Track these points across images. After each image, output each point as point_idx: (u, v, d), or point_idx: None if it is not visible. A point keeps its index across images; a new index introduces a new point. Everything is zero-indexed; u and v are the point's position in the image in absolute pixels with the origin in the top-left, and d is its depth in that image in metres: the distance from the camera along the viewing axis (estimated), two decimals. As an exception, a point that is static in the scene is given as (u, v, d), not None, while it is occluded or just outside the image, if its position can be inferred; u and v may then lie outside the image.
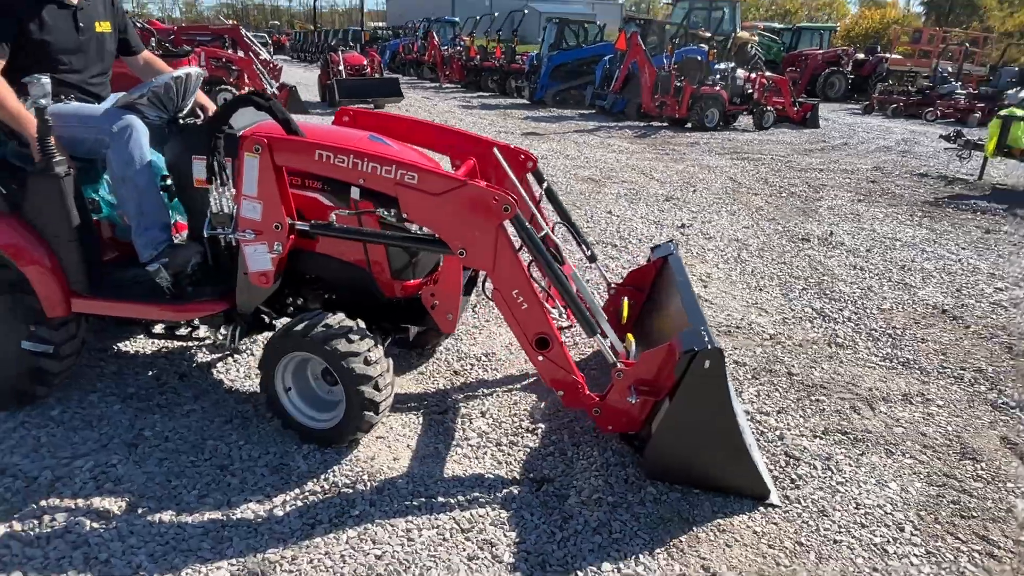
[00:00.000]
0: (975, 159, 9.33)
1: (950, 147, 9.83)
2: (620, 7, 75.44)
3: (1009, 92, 15.83)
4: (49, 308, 2.77)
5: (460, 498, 2.53)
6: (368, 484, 2.56)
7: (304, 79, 20.58)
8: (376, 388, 2.60)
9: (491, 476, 2.68)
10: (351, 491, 2.52)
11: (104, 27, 3.00)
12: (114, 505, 2.41)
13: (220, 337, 2.91)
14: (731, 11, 18.55)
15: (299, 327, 2.60)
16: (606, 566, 2.24)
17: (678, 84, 13.25)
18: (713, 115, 13.41)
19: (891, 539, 2.40)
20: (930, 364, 3.70)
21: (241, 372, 3.37)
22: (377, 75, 15.06)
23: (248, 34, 13.30)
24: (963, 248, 5.94)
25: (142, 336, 3.65)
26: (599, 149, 10.74)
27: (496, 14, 21.69)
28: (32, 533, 2.25)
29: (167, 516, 2.37)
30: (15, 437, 2.77)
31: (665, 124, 14.03)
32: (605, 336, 2.67)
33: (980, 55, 21.90)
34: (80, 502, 2.42)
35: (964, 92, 16.74)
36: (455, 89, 21.23)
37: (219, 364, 3.44)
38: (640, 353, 2.72)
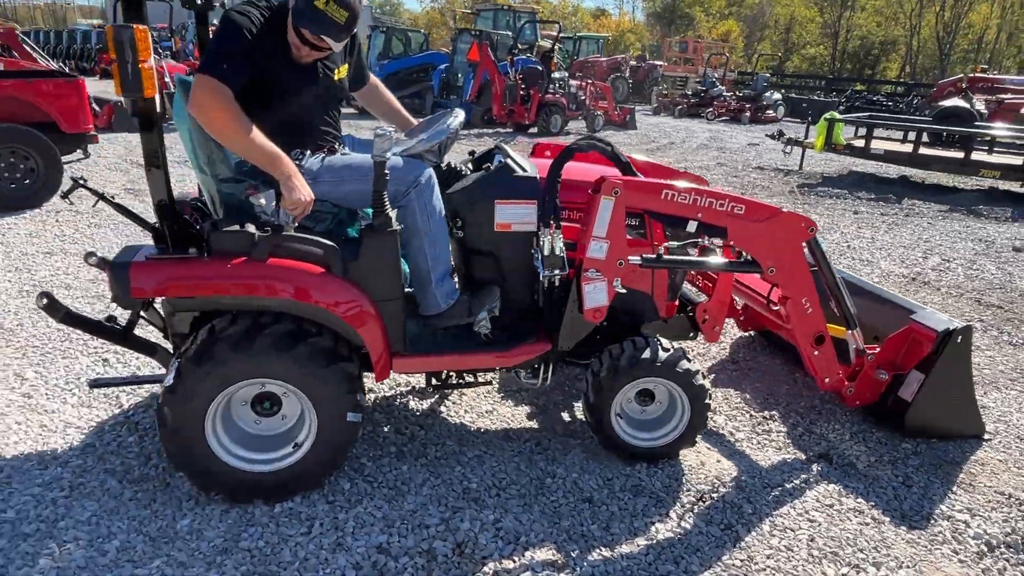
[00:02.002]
0: (796, 153, 11.40)
1: (776, 143, 11.85)
2: (368, 10, 75.36)
3: (766, 95, 19.26)
4: (379, 372, 2.61)
5: (796, 481, 2.93)
6: (728, 486, 2.85)
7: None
8: (711, 398, 2.89)
9: (790, 459, 3.10)
10: (719, 493, 2.80)
11: (342, 72, 2.82)
12: (547, 554, 2.42)
13: (525, 377, 2.94)
14: (532, 23, 19.95)
15: (646, 355, 2.78)
16: (942, 508, 2.82)
17: (523, 92, 14.10)
18: (557, 121, 14.48)
19: (1070, 445, 3.31)
20: (946, 320, 4.83)
21: (467, 414, 3.34)
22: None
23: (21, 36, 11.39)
24: (861, 228, 7.48)
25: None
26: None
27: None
28: (521, 597, 2.22)
29: (607, 553, 2.45)
30: (348, 518, 2.55)
31: (511, 130, 14.82)
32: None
33: (731, 62, 26.11)
34: (517, 560, 2.39)
35: (731, 94, 19.95)
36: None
37: (440, 410, 3.37)
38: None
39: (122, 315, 3.07)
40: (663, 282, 3.05)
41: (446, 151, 2.86)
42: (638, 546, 2.50)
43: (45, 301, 2.60)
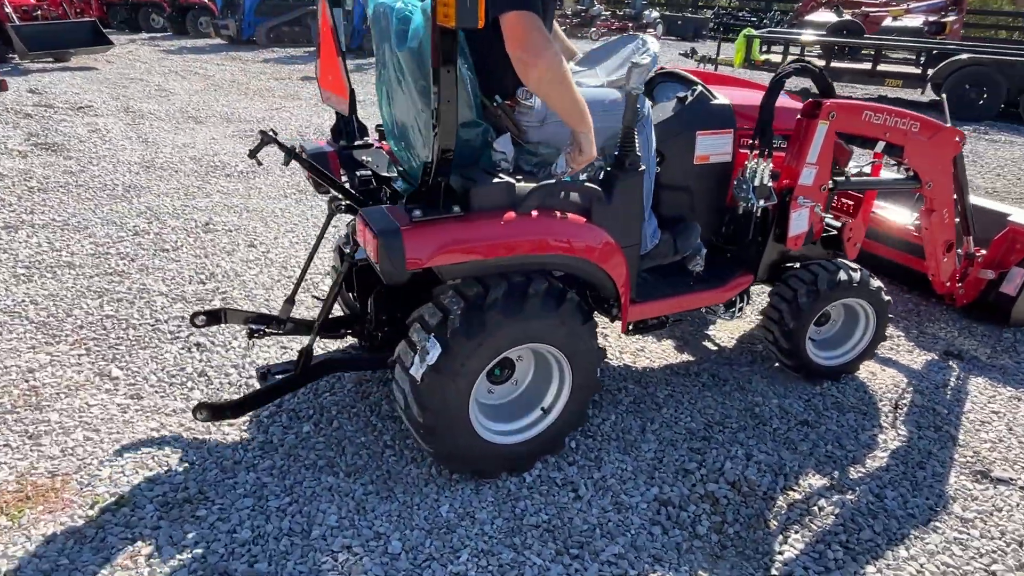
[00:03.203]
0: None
1: (683, 61, 12.18)
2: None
3: (645, 12, 19.53)
4: (624, 322, 2.48)
5: (952, 380, 3.17)
6: (908, 392, 3.04)
7: None
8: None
9: (929, 360, 3.34)
10: (906, 400, 2.98)
11: None
12: (815, 479, 2.48)
13: (722, 311, 2.90)
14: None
15: (843, 277, 2.83)
16: (1071, 385, 3.19)
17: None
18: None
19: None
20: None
21: (622, 354, 3.28)
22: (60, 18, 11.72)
23: None
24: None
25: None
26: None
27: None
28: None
29: (860, 468, 2.55)
30: (604, 476, 2.45)
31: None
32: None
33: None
34: (797, 490, 2.42)
35: (609, 12, 20.06)
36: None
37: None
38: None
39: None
40: (822, 204, 3.09)
41: (638, 83, 2.67)
42: (879, 458, 2.62)
43: (205, 413, 2.35)
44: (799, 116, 2.70)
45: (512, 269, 2.18)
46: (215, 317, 2.71)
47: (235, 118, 8.05)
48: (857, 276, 2.87)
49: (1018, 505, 2.41)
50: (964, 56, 9.42)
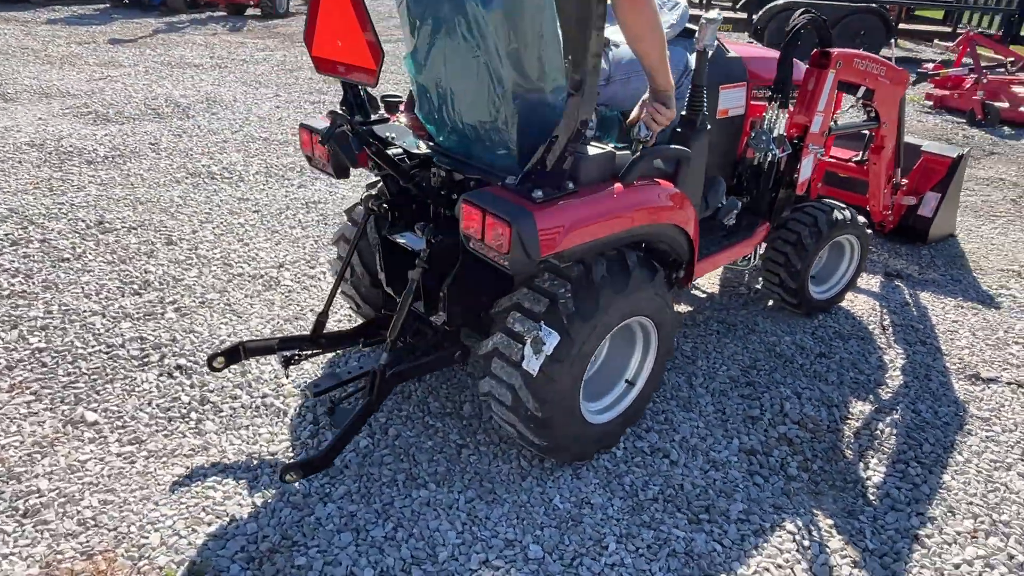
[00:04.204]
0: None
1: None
2: None
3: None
4: (689, 282, 2.47)
5: (906, 298, 3.57)
6: (885, 313, 3.37)
7: None
8: (866, 248, 3.31)
9: (881, 282, 3.72)
10: (887, 321, 3.31)
11: None
12: (861, 407, 2.69)
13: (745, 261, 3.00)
14: None
15: (839, 216, 3.04)
16: (988, 291, 3.72)
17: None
18: (284, 0, 12.79)
19: None
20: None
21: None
22: None
23: None
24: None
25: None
26: (260, 52, 9.55)
27: None
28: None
29: (887, 389, 2.80)
30: (685, 437, 2.48)
31: (225, 13, 12.72)
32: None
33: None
34: (851, 420, 2.61)
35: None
36: None
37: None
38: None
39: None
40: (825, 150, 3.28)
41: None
42: (895, 377, 2.89)
43: (296, 474, 1.98)
44: (808, 66, 2.81)
45: (619, 244, 2.08)
46: (234, 355, 2.34)
47: (54, 92, 6.79)
48: (848, 214, 3.09)
49: (1013, 398, 2.80)
50: (781, 2, 10.33)
